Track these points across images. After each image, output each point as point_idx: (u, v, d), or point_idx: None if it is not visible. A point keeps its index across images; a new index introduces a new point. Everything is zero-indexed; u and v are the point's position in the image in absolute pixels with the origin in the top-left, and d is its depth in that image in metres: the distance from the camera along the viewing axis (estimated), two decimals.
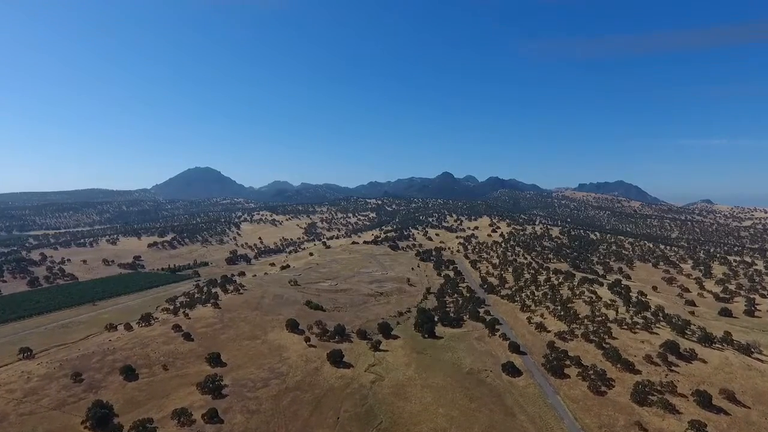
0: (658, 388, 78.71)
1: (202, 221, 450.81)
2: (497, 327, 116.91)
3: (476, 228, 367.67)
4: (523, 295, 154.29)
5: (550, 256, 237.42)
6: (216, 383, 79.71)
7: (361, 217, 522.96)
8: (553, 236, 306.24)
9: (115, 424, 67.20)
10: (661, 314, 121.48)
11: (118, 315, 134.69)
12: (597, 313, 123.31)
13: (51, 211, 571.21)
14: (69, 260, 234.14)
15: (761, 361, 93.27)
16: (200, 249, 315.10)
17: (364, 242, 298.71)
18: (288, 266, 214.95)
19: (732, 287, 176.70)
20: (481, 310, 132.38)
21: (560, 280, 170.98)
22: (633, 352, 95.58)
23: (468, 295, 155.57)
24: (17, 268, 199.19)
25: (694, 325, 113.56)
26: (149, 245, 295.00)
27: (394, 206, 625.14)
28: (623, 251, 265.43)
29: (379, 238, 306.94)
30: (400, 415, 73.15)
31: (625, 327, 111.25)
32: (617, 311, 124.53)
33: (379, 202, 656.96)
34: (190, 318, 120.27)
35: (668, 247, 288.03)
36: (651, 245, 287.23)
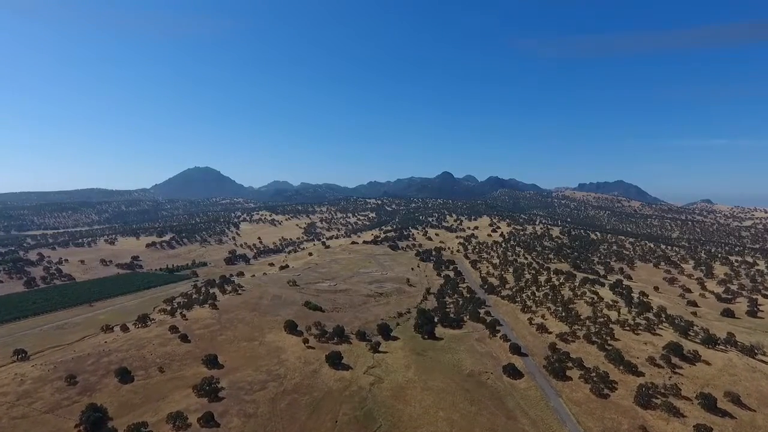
0: (662, 390, 77.40)
1: (201, 221, 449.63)
2: (498, 328, 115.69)
3: (476, 228, 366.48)
4: (523, 295, 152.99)
5: (551, 256, 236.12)
6: (212, 386, 78.40)
7: (361, 217, 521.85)
8: (554, 236, 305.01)
9: (109, 428, 65.90)
10: (663, 315, 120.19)
11: (115, 316, 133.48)
12: (599, 314, 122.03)
13: (49, 211, 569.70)
14: (66, 260, 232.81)
15: (765, 362, 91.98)
16: (199, 249, 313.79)
17: (364, 242, 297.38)
18: (287, 266, 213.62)
19: (734, 288, 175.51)
20: (482, 311, 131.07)
21: (561, 281, 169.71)
22: (636, 354, 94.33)
23: (468, 295, 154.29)
24: (14, 269, 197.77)
25: (697, 326, 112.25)
26: (147, 245, 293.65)
27: (393, 206, 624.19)
28: (624, 251, 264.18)
29: (379, 238, 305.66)
30: (399, 419, 71.81)
31: (628, 328, 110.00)
32: (619, 312, 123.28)
33: (379, 202, 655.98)
34: (187, 319, 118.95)
35: (669, 247, 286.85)
36: (652, 245, 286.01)
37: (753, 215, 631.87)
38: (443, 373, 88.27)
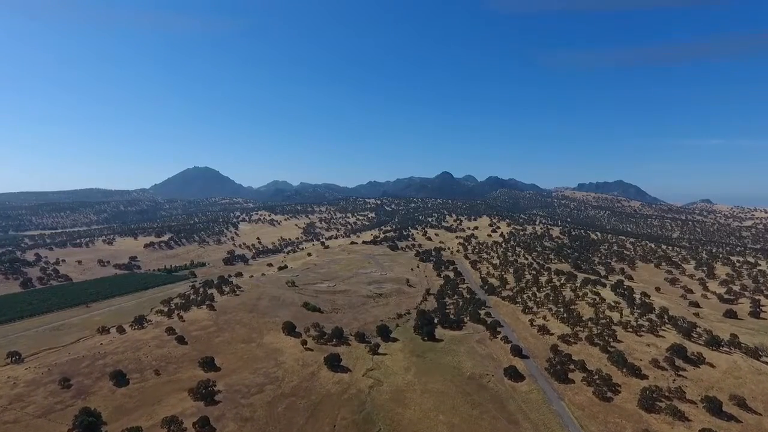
0: (666, 394, 76.13)
1: (200, 221, 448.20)
2: (498, 329, 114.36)
3: (476, 228, 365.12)
4: (524, 296, 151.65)
5: (551, 256, 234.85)
6: (209, 389, 76.95)
7: (360, 217, 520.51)
8: (554, 236, 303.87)
9: None
10: (665, 316, 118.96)
11: (112, 317, 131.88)
12: (601, 316, 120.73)
13: (48, 211, 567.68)
14: (64, 261, 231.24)
15: None
16: (197, 249, 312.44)
17: (363, 242, 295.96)
18: (286, 267, 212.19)
19: (736, 288, 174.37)
20: (482, 312, 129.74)
21: (562, 281, 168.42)
22: (639, 356, 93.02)
23: (468, 296, 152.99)
24: (10, 269, 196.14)
25: (700, 327, 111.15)
26: (146, 245, 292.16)
27: (393, 206, 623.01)
28: (625, 252, 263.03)
29: (378, 238, 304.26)
30: (399, 423, 70.46)
31: (630, 330, 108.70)
32: (621, 313, 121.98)
33: (378, 202, 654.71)
34: (184, 320, 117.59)
35: (670, 248, 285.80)
36: (653, 245, 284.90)
37: (753, 215, 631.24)
38: (443, 375, 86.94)
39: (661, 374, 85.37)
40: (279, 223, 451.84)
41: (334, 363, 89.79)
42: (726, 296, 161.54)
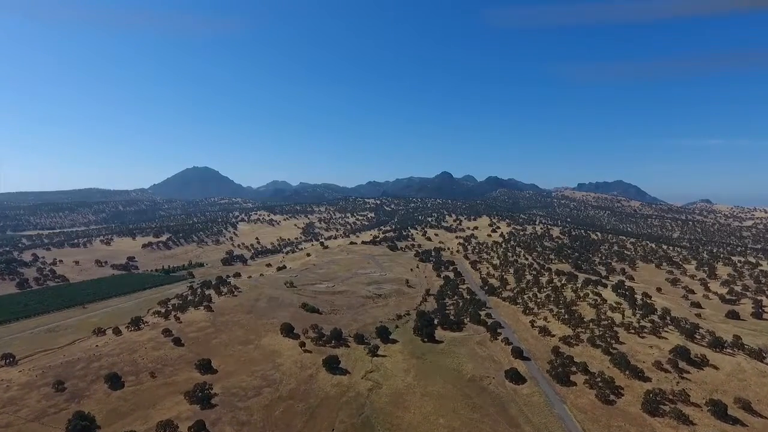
0: (670, 397, 74.95)
1: (199, 221, 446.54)
2: (499, 331, 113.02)
3: (476, 228, 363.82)
4: (525, 297, 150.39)
5: (552, 256, 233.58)
6: (205, 392, 75.67)
7: (360, 217, 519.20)
8: (554, 236, 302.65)
9: None
10: (668, 317, 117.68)
11: (108, 318, 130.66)
12: (602, 317, 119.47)
13: (46, 211, 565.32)
14: (61, 261, 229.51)
15: None
16: (196, 249, 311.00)
17: (363, 242, 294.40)
18: (284, 267, 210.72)
19: (738, 289, 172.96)
20: (482, 313, 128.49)
21: (563, 282, 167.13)
22: (642, 358, 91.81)
23: (468, 297, 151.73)
24: (6, 270, 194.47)
25: (702, 328, 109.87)
26: (144, 246, 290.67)
27: (392, 206, 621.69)
28: (625, 252, 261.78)
29: (378, 239, 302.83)
30: (398, 426, 69.23)
31: (633, 331, 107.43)
32: (623, 314, 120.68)
33: (378, 202, 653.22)
34: (181, 322, 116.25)
35: (671, 248, 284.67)
36: (653, 245, 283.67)
37: (753, 215, 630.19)
38: (443, 377, 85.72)
39: (665, 377, 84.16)
40: (278, 224, 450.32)
41: (332, 365, 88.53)
42: (728, 297, 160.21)
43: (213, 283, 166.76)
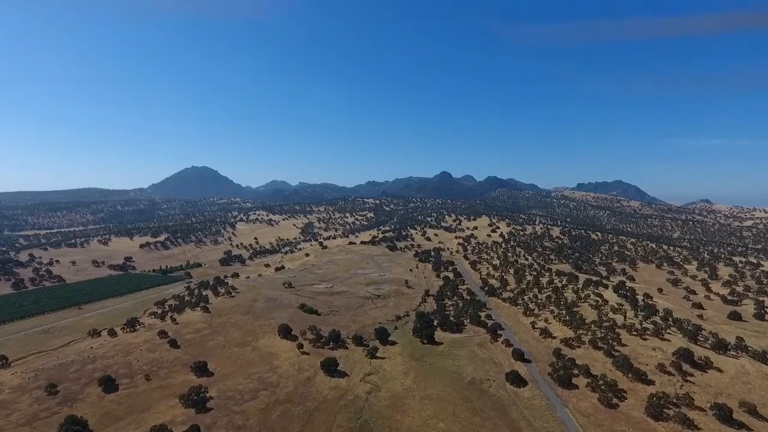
0: (674, 400, 73.53)
1: (197, 221, 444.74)
2: (499, 332, 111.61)
3: (475, 228, 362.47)
4: (525, 298, 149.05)
5: (552, 256, 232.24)
6: (201, 395, 74.36)
7: (359, 217, 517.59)
8: (554, 236, 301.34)
9: None
10: (670, 319, 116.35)
11: (104, 319, 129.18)
12: (604, 318, 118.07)
13: (44, 211, 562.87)
14: (57, 261, 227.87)
15: None
16: (194, 249, 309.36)
17: (362, 243, 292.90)
18: (283, 267, 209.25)
19: (739, 289, 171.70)
20: (483, 314, 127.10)
21: (563, 282, 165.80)
22: (644, 361, 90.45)
23: (468, 297, 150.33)
24: (2, 270, 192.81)
25: (705, 330, 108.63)
26: (141, 246, 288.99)
27: (392, 206, 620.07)
28: (626, 252, 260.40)
29: (377, 239, 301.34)
30: (397, 431, 67.86)
31: (635, 333, 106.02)
32: (625, 316, 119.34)
33: (377, 202, 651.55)
34: (177, 323, 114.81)
35: (671, 248, 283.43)
36: (653, 246, 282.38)
37: (753, 215, 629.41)
38: (443, 380, 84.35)
39: (668, 380, 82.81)
40: (277, 223, 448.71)
41: (330, 367, 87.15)
42: (729, 297, 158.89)
43: (210, 283, 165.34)
